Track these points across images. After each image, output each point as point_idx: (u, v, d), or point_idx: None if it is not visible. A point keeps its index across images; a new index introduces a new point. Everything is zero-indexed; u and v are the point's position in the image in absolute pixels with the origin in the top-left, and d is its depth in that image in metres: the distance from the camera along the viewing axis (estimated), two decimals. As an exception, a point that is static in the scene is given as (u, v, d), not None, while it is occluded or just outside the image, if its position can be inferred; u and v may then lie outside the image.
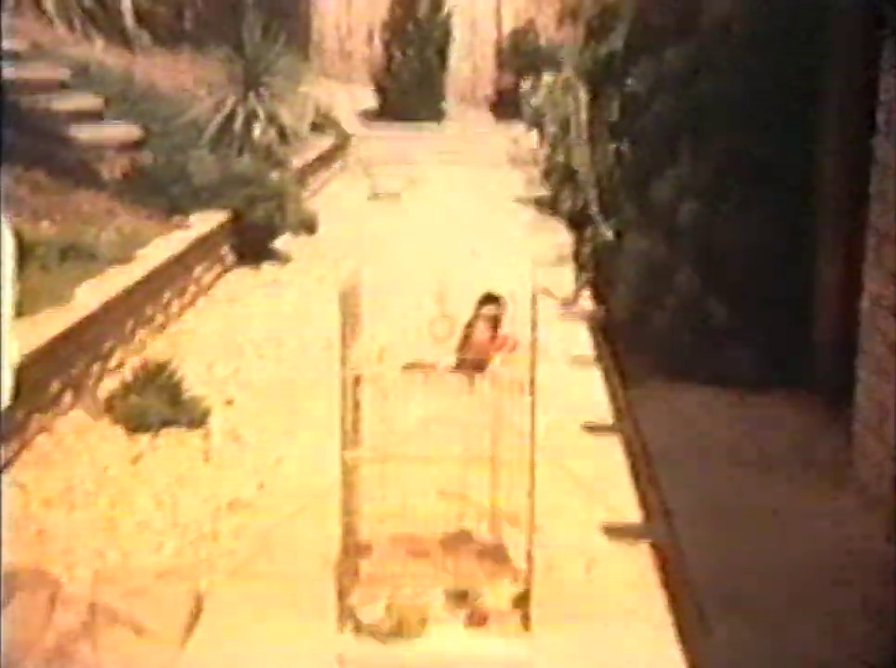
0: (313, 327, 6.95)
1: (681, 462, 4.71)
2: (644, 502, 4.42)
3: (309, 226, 9.05)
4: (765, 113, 5.65)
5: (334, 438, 3.40)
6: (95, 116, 10.04)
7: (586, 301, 7.57)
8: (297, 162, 11.60)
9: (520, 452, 3.32)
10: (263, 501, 4.49)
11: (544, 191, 12.04)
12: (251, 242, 8.67)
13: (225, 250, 8.45)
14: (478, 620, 3.38)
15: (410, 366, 3.39)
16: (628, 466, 4.78)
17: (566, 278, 7.83)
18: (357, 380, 3.37)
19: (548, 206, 11.27)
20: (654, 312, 6.06)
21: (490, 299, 3.54)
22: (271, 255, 8.86)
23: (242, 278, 8.39)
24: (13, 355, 2.67)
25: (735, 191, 5.86)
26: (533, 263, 3.24)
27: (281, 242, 9.07)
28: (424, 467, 3.40)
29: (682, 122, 6.20)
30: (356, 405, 3.41)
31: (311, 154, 12.79)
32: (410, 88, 16.58)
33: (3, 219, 2.68)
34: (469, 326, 3.47)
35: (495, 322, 3.47)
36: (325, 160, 13.64)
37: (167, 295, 7.02)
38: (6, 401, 2.66)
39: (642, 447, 4.98)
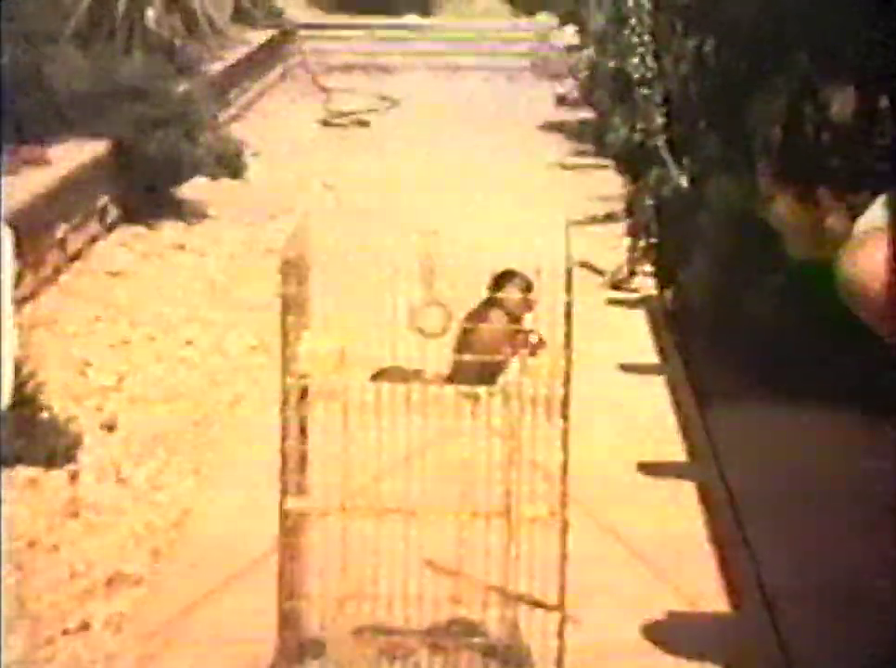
0: (239, 316, 6.96)
1: (787, 519, 4.73)
2: (729, 581, 4.44)
3: (232, 165, 9.05)
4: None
5: (269, 480, 3.41)
6: None
7: (646, 279, 7.59)
8: (214, 67, 11.60)
9: (547, 504, 3.34)
10: (160, 576, 4.50)
11: (584, 114, 12.07)
12: (144, 188, 8.67)
13: (104, 201, 8.44)
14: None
15: (384, 374, 3.41)
16: (707, 528, 4.81)
17: (616, 245, 7.84)
18: (304, 395, 3.39)
19: (591, 136, 11.29)
20: (748, 294, 6.08)
21: (508, 277, 3.56)
22: (174, 208, 8.86)
23: (130, 242, 8.38)
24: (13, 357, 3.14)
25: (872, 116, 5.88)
26: (568, 223, 3.23)
27: (190, 188, 9.06)
28: (404, 525, 3.41)
29: (793, 9, 6.21)
30: (303, 432, 3.42)
31: (235, 55, 12.79)
32: (383, -42, 16.61)
33: (2, 218, 3.16)
34: (475, 315, 3.50)
35: (515, 310, 3.50)
36: (256, 64, 13.64)
37: (14, 266, 7.01)
38: (6, 401, 3.09)
39: (728, 499, 5.00)
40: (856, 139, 3.15)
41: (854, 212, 3.10)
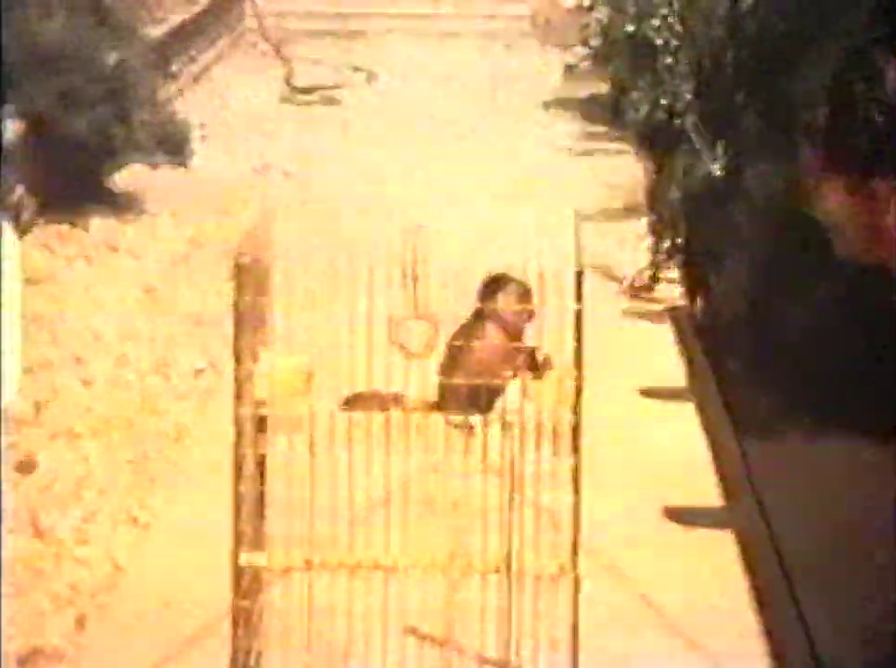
0: (184, 331, 6.95)
1: (843, 575, 4.73)
2: (775, 651, 4.42)
3: (175, 150, 9.05)
4: None
5: (220, 531, 3.40)
6: None
7: (671, 287, 7.61)
8: (154, 32, 11.59)
9: (555, 556, 3.33)
10: (86, 650, 4.46)
11: (597, 86, 12.08)
12: (69, 177, 8.66)
13: (19, 192, 8.44)
14: None
15: (357, 400, 3.40)
16: (748, 586, 4.80)
17: (635, 244, 7.86)
18: (262, 425, 3.38)
19: (605, 112, 11.30)
20: (793, 304, 6.08)
21: (502, 283, 3.55)
22: (105, 201, 8.85)
23: (52, 243, 8.37)
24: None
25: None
26: (578, 218, 3.23)
27: (125, 177, 9.06)
28: (382, 583, 3.40)
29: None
30: (261, 471, 3.42)
31: (179, 17, 12.80)
32: None
33: (2, 220, 3.10)
34: (466, 330, 3.49)
35: (513, 323, 3.49)
36: (204, 27, 13.66)
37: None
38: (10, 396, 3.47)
39: (773, 551, 4.99)
40: None
41: None
